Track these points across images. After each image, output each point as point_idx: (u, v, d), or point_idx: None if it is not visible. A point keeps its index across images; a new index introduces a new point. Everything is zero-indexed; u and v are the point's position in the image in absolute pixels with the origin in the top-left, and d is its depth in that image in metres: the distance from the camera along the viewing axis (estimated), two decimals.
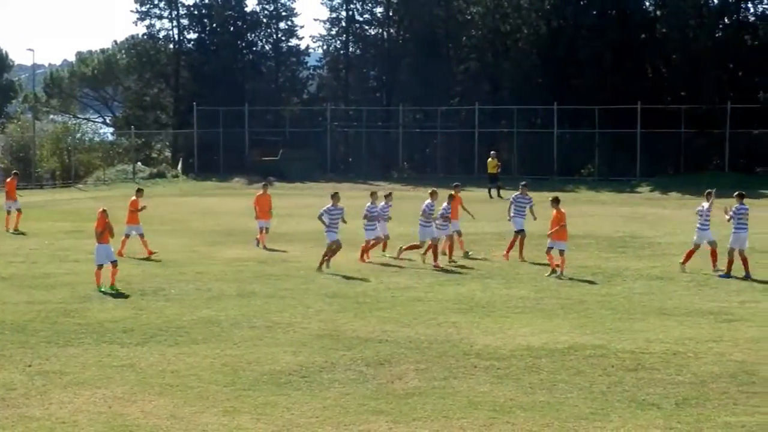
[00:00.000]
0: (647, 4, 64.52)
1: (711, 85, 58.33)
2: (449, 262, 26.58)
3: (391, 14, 69.20)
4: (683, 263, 25.02)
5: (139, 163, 67.79)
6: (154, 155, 74.58)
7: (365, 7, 70.14)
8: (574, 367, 15.55)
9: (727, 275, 23.89)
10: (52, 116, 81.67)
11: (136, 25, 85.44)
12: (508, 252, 27.24)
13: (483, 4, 64.78)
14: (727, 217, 24.45)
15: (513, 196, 28.46)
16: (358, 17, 70.07)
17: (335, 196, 26.10)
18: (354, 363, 15.78)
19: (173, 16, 71.62)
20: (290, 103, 71.16)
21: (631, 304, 20.80)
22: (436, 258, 26.11)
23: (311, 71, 74.04)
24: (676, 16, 60.49)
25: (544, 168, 57.51)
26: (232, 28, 71.39)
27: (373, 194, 27.89)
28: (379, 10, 70.31)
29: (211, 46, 71.39)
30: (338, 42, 70.57)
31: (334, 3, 69.69)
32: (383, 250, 27.83)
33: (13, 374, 15.20)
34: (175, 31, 72.08)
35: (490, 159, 50.56)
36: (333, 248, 25.42)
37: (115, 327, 18.49)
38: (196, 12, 71.57)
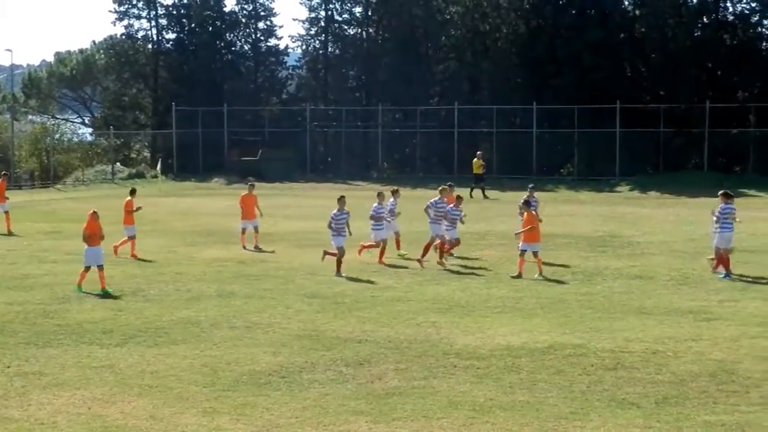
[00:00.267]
0: (626, 3, 64.63)
1: (690, 85, 58.56)
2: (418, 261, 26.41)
3: (370, 14, 69.16)
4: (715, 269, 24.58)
5: (118, 164, 67.53)
6: (133, 156, 74.37)
7: (344, 6, 70.09)
8: (553, 366, 15.57)
9: (727, 274, 23.81)
10: (30, 117, 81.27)
11: (115, 25, 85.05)
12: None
13: (462, 4, 64.82)
14: (714, 217, 24.55)
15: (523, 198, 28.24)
16: (337, 17, 70.04)
17: (341, 200, 25.49)
18: (334, 363, 15.76)
19: (152, 16, 71.43)
20: (269, 103, 71.07)
21: (610, 303, 20.84)
22: (441, 254, 26.16)
23: (290, 71, 73.89)
24: (655, 15, 60.68)
25: (524, 168, 57.63)
26: (210, 28, 71.17)
27: (380, 194, 27.38)
28: (358, 9, 70.34)
29: (190, 47, 71.20)
30: (317, 42, 70.55)
31: (313, 3, 69.73)
32: (398, 248, 27.86)
33: None
34: (154, 31, 71.95)
35: (475, 159, 50.69)
36: (342, 254, 24.79)
37: (95, 328, 18.41)
38: (174, 12, 71.35)
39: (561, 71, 59.52)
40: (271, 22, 72.37)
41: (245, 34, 72.64)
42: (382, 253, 26.67)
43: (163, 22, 71.66)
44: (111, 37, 76.26)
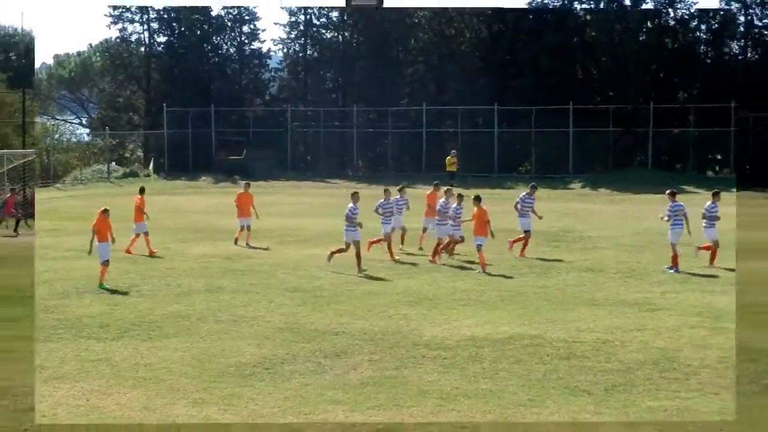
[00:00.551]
0: (578, 8, 64.32)
1: (635, 86, 58.77)
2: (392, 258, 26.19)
3: (345, 18, 68.78)
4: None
5: (113, 163, 67.04)
6: (127, 155, 73.77)
7: (322, 11, 69.71)
8: (513, 356, 15.70)
9: (676, 269, 23.89)
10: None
11: (110, 28, 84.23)
12: (523, 250, 26.71)
13: (429, 8, 64.74)
14: (665, 217, 24.61)
15: (521, 195, 28.09)
16: (315, 21, 69.66)
17: (355, 196, 24.98)
18: (313, 355, 15.83)
19: (144, 20, 70.84)
20: (253, 104, 70.67)
21: (564, 295, 20.99)
22: (448, 250, 26.01)
23: (273, 73, 73.45)
24: (604, 21, 60.91)
25: (486, 166, 57.60)
26: (198, 32, 70.56)
27: (386, 191, 26.95)
28: (334, 14, 69.84)
29: (180, 49, 70.57)
30: (297, 45, 70.11)
31: (292, 7, 69.25)
32: (401, 243, 27.77)
33: None
34: (146, 34, 71.29)
35: (449, 157, 50.83)
36: (358, 248, 24.32)
37: (92, 322, 18.39)
38: (165, 16, 70.71)
39: (521, 73, 59.57)
40: (255, 26, 71.65)
41: (230, 37, 72.00)
42: (390, 248, 26.24)
43: (155, 25, 70.98)
44: (106, 40, 75.66)
